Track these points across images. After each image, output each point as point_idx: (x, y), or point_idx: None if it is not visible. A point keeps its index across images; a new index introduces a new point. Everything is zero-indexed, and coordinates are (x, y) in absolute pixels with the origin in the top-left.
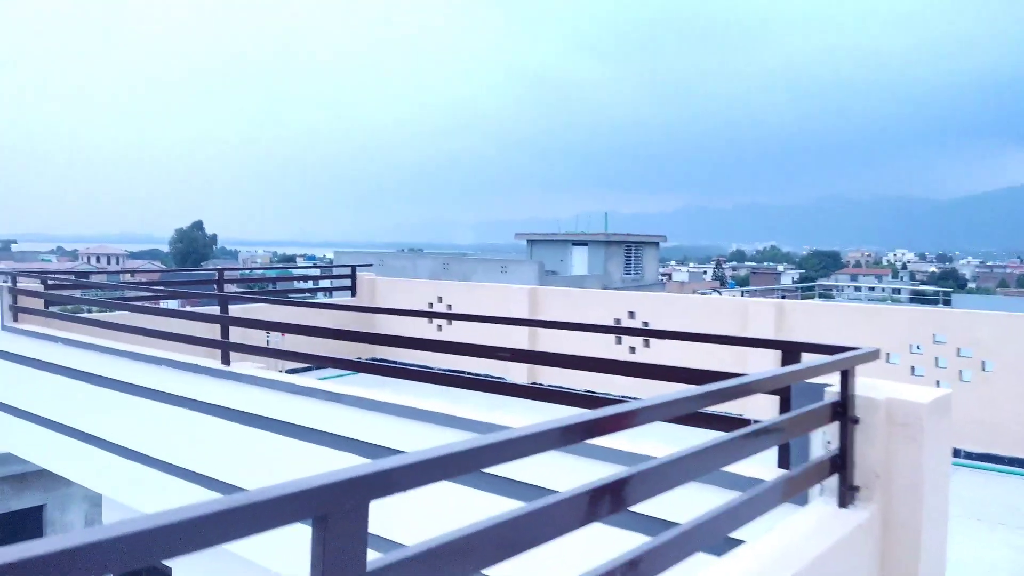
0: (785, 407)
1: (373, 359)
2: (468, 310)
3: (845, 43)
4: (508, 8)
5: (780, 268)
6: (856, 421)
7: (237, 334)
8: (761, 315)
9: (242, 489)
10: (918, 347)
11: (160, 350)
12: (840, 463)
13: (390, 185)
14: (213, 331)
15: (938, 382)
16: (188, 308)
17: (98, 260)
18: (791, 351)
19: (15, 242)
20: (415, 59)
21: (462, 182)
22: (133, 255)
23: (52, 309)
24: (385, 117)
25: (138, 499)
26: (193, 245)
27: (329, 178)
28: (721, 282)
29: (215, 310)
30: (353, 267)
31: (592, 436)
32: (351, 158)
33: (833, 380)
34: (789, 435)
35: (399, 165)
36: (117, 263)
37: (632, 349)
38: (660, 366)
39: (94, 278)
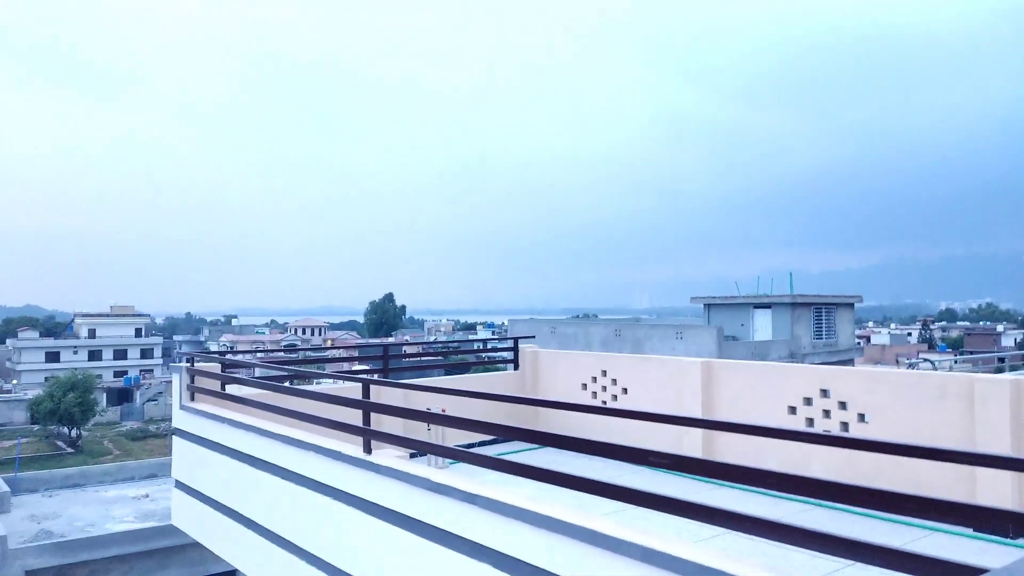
0: None
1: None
2: (635, 385)
3: None
4: (675, 59)
5: (999, 328)
6: None
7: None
8: (994, 398)
9: None
10: None
11: (311, 433)
12: None
13: (567, 249)
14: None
15: None
16: (337, 386)
17: (304, 332)
18: None
19: (236, 317)
20: (582, 119)
21: (635, 242)
22: (333, 326)
23: (227, 389)
24: (555, 179)
25: None
26: (384, 316)
27: (507, 243)
28: (929, 345)
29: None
30: (515, 339)
31: None
32: (528, 223)
33: None
34: None
35: (574, 227)
36: (320, 334)
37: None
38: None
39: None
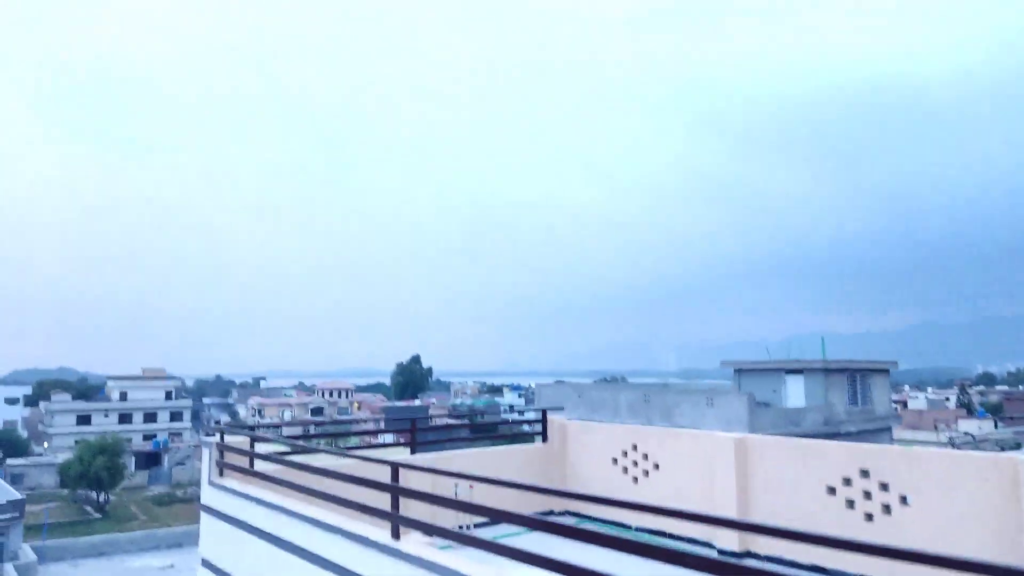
0: None
1: (566, 511)
2: (667, 460)
3: None
4: (707, 121)
5: None
6: None
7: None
8: None
9: None
10: None
11: (338, 515)
12: None
13: (594, 309)
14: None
15: None
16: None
17: (331, 394)
18: None
19: (264, 378)
20: (610, 180)
21: (663, 303)
22: (360, 388)
23: (255, 466)
24: (582, 239)
25: None
26: (411, 378)
27: (533, 304)
28: (968, 410)
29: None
30: (544, 411)
31: None
32: (554, 283)
33: None
34: None
35: (601, 287)
36: (347, 396)
37: (869, 516)
38: (912, 553)
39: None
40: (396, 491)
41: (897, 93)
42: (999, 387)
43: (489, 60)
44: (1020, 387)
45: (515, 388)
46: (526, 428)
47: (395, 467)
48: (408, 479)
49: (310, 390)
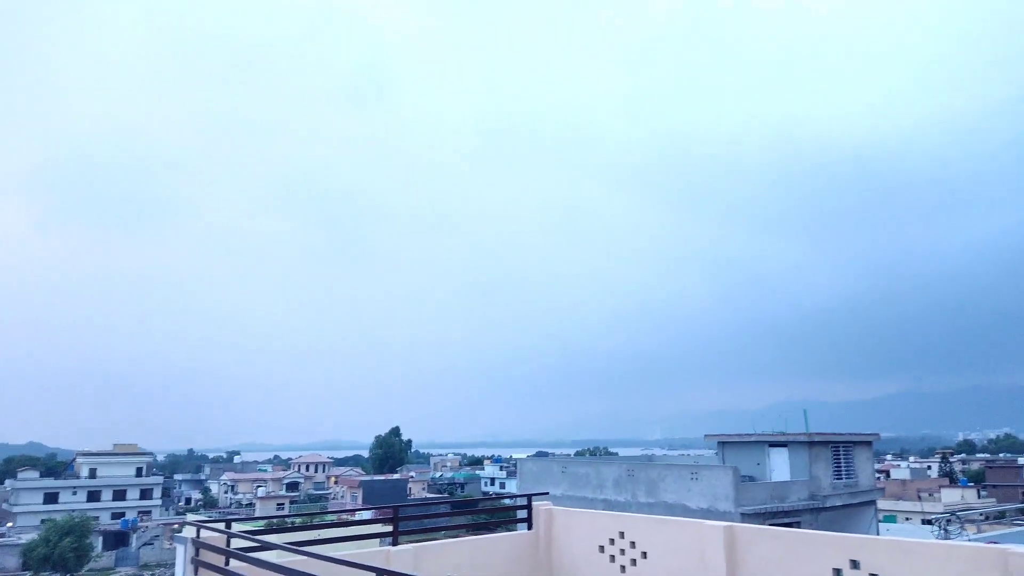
0: None
1: None
2: (655, 548)
3: None
4: (684, 191)
5: (1021, 460)
6: None
7: None
8: None
9: None
10: None
11: None
12: None
13: (575, 379)
14: None
15: None
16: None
17: (307, 468)
18: None
19: (238, 453)
20: (592, 250)
21: (647, 372)
22: (337, 462)
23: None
24: (565, 310)
25: None
26: (390, 451)
27: (514, 374)
28: (950, 479)
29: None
30: (529, 497)
31: None
32: (535, 354)
33: None
34: None
35: (582, 358)
36: (323, 471)
37: None
38: None
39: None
40: None
41: (881, 167)
42: (979, 455)
43: (484, 128)
44: (1001, 455)
45: (497, 460)
46: (508, 502)
47: (379, 573)
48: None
49: (285, 464)
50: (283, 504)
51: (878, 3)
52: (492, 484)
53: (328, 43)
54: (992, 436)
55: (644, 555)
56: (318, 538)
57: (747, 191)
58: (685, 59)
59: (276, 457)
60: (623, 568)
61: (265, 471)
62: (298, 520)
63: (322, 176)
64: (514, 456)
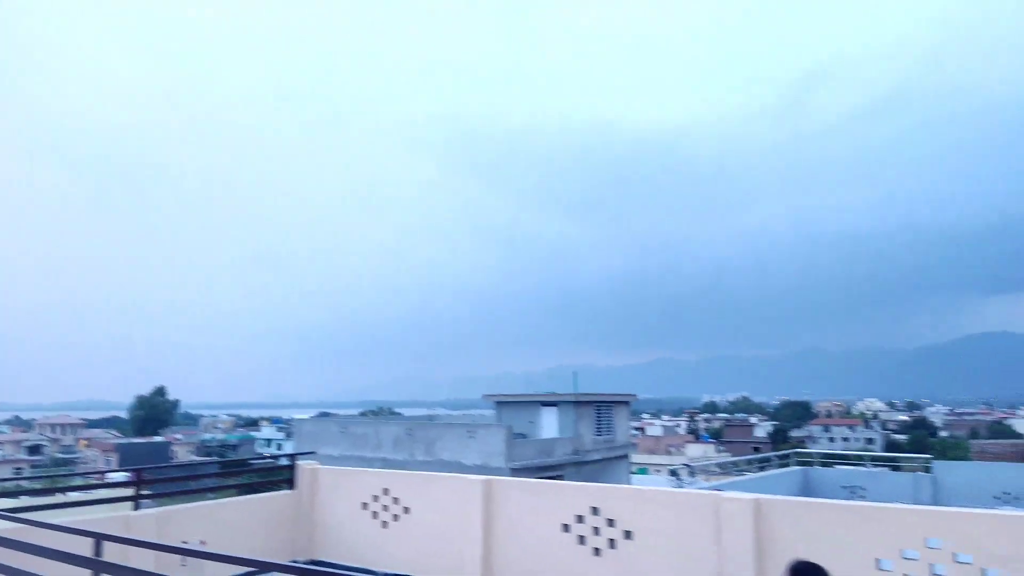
0: None
1: (311, 560)
2: (418, 503)
3: (812, 202)
4: (474, 164)
5: (753, 420)
6: None
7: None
8: (737, 517)
9: None
10: (914, 553)
11: None
12: None
13: (364, 346)
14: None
15: None
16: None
17: (54, 430)
18: None
19: None
20: (388, 220)
21: (436, 339)
22: (92, 423)
23: None
24: (357, 277)
25: None
26: (154, 412)
27: (299, 338)
28: (695, 435)
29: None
30: (292, 456)
31: None
32: (323, 316)
33: None
34: None
35: (372, 324)
36: (74, 433)
37: (597, 550)
38: None
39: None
40: (99, 567)
41: (661, 155)
42: (721, 415)
43: (283, 91)
44: (738, 415)
45: (276, 421)
46: (283, 462)
47: (98, 539)
48: (129, 525)
49: (27, 425)
50: (21, 468)
51: (671, 20)
52: (269, 445)
53: None
54: (731, 398)
55: (407, 510)
56: (53, 502)
57: (548, 173)
58: (497, 42)
59: (16, 417)
60: (385, 524)
61: (3, 432)
62: (36, 484)
63: (101, 127)
64: (295, 416)
